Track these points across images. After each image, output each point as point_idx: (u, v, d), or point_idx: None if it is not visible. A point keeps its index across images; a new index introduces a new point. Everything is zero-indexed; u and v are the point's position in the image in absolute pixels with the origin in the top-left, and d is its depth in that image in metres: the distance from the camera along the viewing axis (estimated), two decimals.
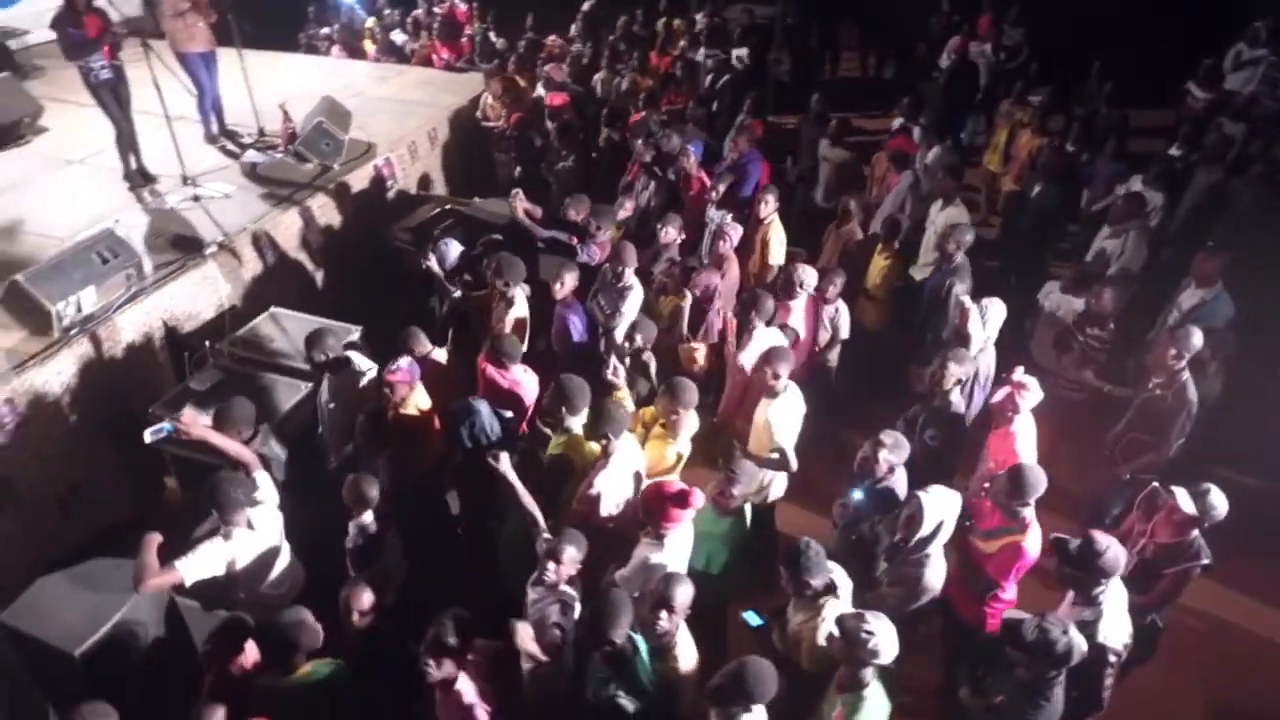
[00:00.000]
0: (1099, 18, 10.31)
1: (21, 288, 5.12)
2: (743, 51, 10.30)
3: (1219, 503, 3.81)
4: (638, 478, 4.17)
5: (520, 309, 5.34)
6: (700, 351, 5.66)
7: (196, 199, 6.76)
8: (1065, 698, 3.23)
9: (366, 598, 3.53)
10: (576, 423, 4.23)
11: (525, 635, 3.34)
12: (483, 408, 4.40)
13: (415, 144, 8.28)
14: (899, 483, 4.10)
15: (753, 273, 6.33)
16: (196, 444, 4.20)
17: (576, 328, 5.38)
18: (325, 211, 7.13)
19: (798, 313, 5.43)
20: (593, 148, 8.34)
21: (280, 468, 4.74)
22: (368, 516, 4.01)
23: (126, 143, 6.88)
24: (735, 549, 4.03)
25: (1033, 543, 3.80)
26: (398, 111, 8.73)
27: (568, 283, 5.32)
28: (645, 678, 3.27)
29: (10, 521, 4.91)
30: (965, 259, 5.69)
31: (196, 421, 4.11)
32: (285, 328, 5.75)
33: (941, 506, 3.73)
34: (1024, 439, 4.38)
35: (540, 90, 8.91)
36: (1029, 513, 3.83)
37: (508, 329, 5.19)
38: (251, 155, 7.52)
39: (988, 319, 4.97)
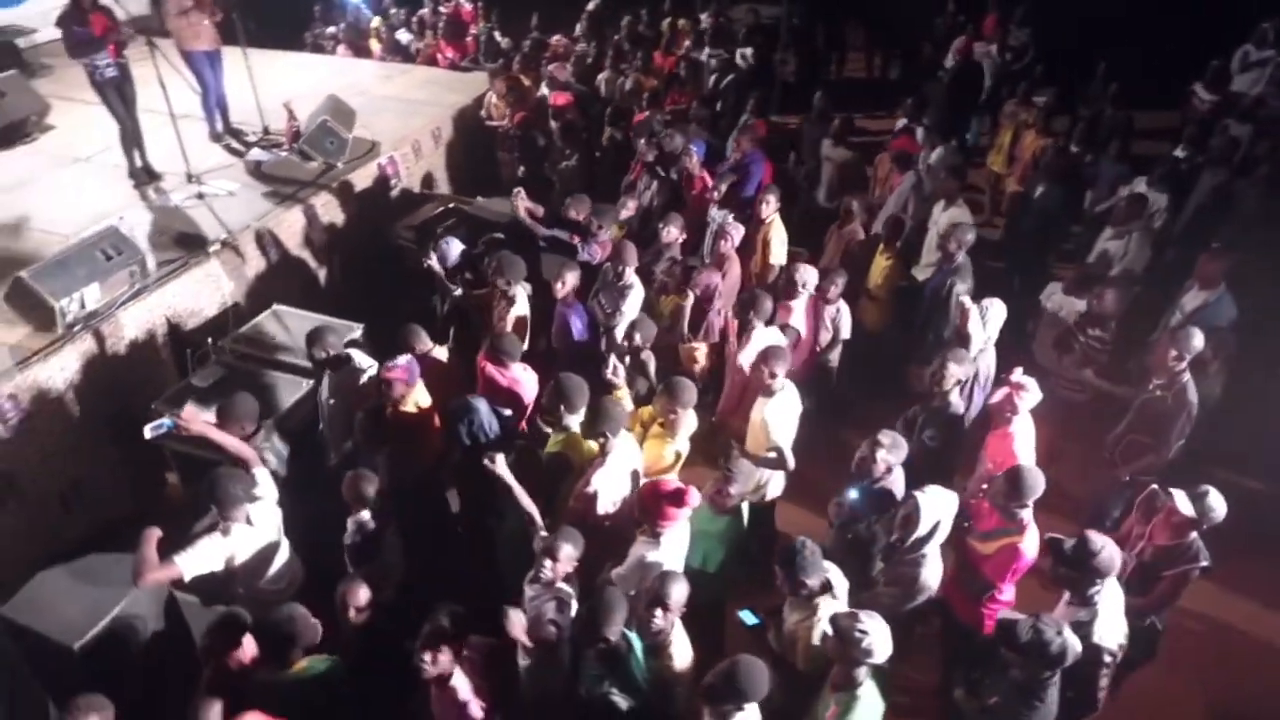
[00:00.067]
0: (1105, 19, 10.28)
1: (26, 284, 5.14)
2: (747, 51, 10.30)
3: (1217, 505, 3.80)
4: (635, 476, 4.18)
5: (521, 307, 5.35)
6: (701, 351, 5.67)
7: (201, 197, 6.79)
8: (1060, 698, 3.23)
9: (363, 594, 3.55)
10: (575, 421, 4.23)
11: (517, 622, 3.35)
12: (481, 405, 4.41)
13: (419, 143, 8.30)
14: (896, 483, 4.10)
15: (754, 273, 6.34)
16: (196, 440, 4.23)
17: (577, 327, 5.39)
18: (329, 210, 7.15)
19: (798, 312, 5.44)
20: (596, 147, 8.35)
21: (283, 463, 4.77)
22: (366, 513, 4.03)
23: (131, 140, 6.91)
24: (732, 548, 4.03)
25: (1030, 545, 3.79)
26: (402, 110, 8.76)
27: (569, 282, 5.33)
28: (640, 676, 3.27)
29: (13, 516, 4.94)
30: (967, 258, 5.69)
31: (196, 417, 4.13)
32: (287, 325, 5.76)
33: (938, 506, 3.73)
34: (1022, 440, 4.37)
35: (544, 89, 8.94)
36: (1027, 514, 3.83)
37: (508, 328, 5.20)
38: (256, 153, 7.55)
39: (988, 319, 4.96)
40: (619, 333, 5.24)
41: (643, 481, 4.16)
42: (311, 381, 5.18)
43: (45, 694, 4.06)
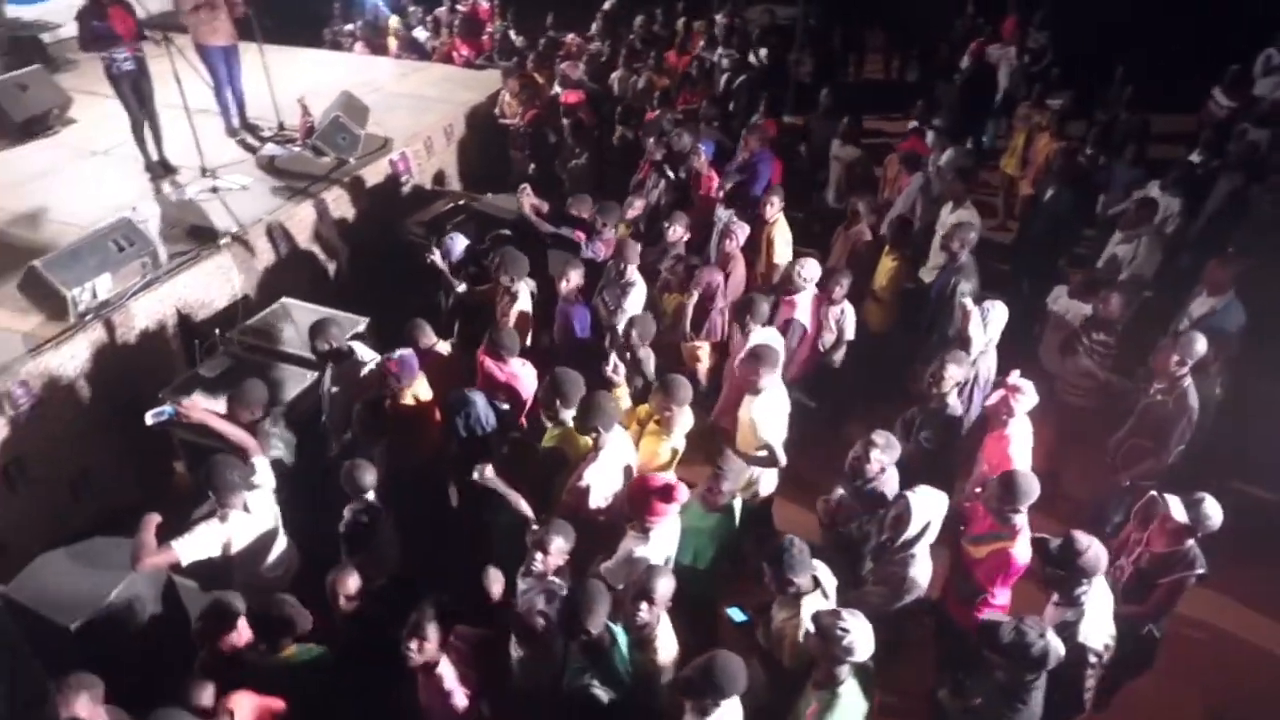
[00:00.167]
0: (1124, 22, 10.18)
1: (39, 273, 5.23)
2: (762, 51, 10.28)
3: (1213, 512, 3.76)
4: (628, 471, 4.20)
5: (524, 303, 5.38)
6: (704, 350, 5.68)
7: (214, 190, 6.89)
8: (1046, 700, 3.21)
9: (353, 583, 3.59)
10: (570, 416, 4.26)
11: (495, 580, 3.40)
12: (478, 399, 4.45)
13: (431, 139, 8.37)
14: (890, 483, 4.09)
15: (760, 273, 6.34)
16: (199, 428, 4.30)
17: (579, 324, 5.42)
18: (340, 205, 7.23)
19: (804, 308, 5.43)
20: (606, 145, 8.37)
21: (292, 451, 4.84)
22: (363, 503, 4.08)
23: (145, 134, 7.01)
24: (722, 544, 4.04)
25: (1021, 550, 3.76)
26: (415, 107, 8.82)
27: (573, 279, 5.36)
28: (623, 669, 3.29)
29: (24, 501, 5.04)
30: (971, 258, 5.64)
31: (197, 405, 4.20)
32: (295, 318, 5.84)
33: (929, 507, 3.72)
34: (1018, 443, 4.34)
35: (556, 88, 8.97)
36: (1020, 519, 3.79)
37: (511, 323, 5.24)
38: (270, 148, 7.65)
39: (989, 321, 4.92)
40: (620, 330, 5.27)
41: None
42: (315, 373, 5.24)
43: (45, 673, 4.14)
